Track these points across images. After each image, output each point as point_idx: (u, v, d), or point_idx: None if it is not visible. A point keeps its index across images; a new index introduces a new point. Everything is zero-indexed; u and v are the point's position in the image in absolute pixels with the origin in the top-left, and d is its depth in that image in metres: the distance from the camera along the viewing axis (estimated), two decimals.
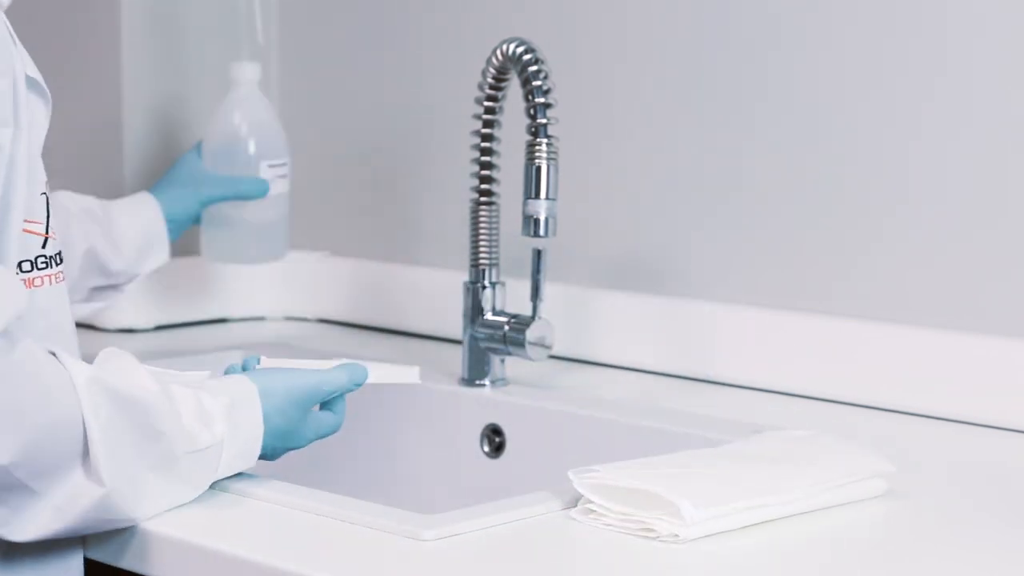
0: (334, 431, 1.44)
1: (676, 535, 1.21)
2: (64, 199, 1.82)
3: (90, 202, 1.86)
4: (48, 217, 1.35)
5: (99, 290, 1.86)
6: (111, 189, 2.10)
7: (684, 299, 1.85)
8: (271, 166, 1.97)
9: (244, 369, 1.46)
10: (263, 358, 1.47)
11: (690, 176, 1.85)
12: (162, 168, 2.14)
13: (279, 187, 1.98)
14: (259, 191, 1.96)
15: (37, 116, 1.35)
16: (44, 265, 1.35)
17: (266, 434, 1.35)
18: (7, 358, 1.19)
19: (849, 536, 1.27)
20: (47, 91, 1.36)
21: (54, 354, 1.24)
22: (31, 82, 1.33)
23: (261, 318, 2.23)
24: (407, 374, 1.55)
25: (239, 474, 1.35)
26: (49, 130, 1.37)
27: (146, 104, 2.16)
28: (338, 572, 1.17)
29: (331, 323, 2.20)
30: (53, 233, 1.36)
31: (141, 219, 1.88)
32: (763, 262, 1.80)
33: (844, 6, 1.72)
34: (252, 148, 1.97)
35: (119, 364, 1.29)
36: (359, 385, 1.44)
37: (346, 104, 2.20)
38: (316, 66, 2.24)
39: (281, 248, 2.03)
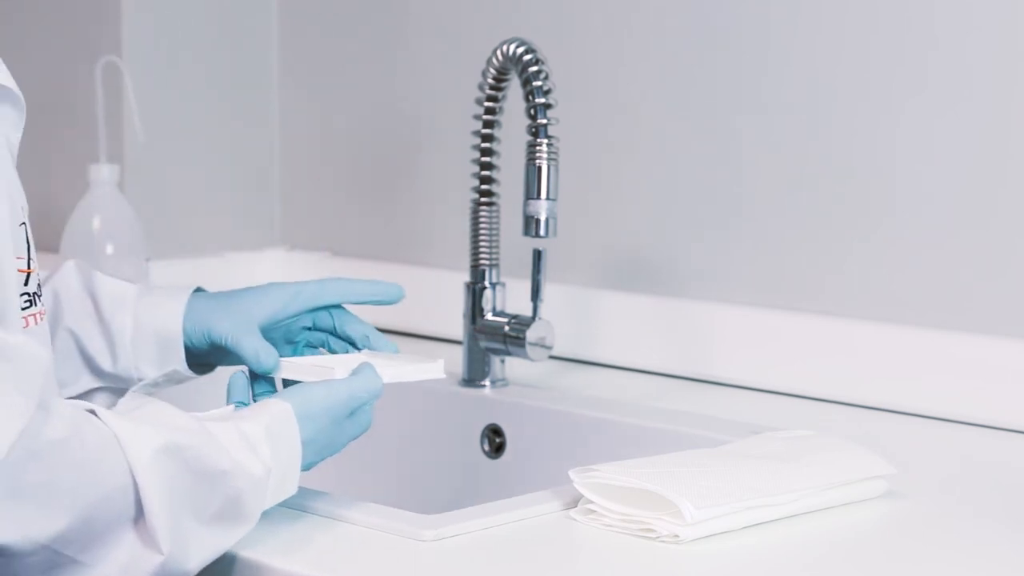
0: (366, 431, 1.38)
1: (676, 535, 1.21)
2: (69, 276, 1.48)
3: (107, 285, 1.48)
4: (29, 249, 1.20)
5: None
6: None
7: (684, 299, 1.85)
8: None
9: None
10: (283, 361, 1.40)
11: (690, 176, 1.85)
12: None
13: None
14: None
15: (9, 130, 1.20)
16: (28, 304, 1.19)
17: (308, 454, 1.28)
18: (45, 432, 1.08)
19: (849, 536, 1.27)
20: (20, 97, 1.20)
21: (93, 411, 1.14)
22: (3, 91, 1.19)
23: None
24: (432, 370, 1.49)
25: None
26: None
27: None
28: (338, 572, 1.17)
29: None
30: (35, 267, 1.22)
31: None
32: (763, 262, 1.80)
33: (835, 11, 1.72)
34: (110, 250, 1.86)
35: (151, 409, 1.19)
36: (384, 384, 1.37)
37: (346, 104, 2.20)
38: (316, 66, 2.24)
39: None
